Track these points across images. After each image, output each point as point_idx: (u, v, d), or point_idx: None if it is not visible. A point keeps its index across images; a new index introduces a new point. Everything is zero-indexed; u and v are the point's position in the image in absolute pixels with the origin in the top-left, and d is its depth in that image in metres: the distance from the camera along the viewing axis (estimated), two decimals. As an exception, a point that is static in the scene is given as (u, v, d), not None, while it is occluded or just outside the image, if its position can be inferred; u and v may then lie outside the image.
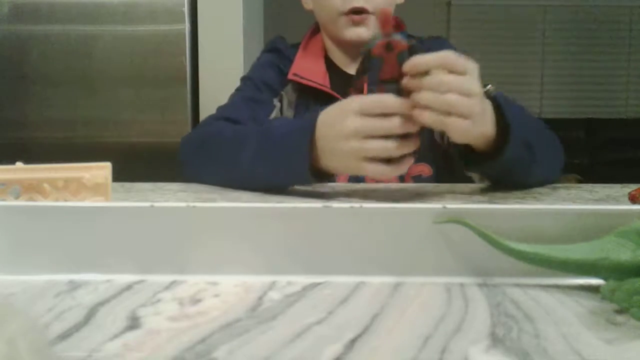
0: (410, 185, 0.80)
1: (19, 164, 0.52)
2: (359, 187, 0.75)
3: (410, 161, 0.60)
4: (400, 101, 0.57)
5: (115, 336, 0.30)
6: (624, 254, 0.35)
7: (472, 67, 0.59)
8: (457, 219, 0.39)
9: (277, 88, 0.96)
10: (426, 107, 0.56)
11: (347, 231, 0.40)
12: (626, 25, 3.71)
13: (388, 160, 0.59)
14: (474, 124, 0.58)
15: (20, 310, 0.23)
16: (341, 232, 0.40)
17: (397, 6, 0.96)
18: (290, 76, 0.93)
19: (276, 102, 0.95)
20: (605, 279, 0.36)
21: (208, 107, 1.60)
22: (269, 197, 0.66)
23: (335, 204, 0.40)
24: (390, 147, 0.58)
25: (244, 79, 1.00)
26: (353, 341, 0.29)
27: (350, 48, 0.95)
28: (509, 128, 0.63)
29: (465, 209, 0.39)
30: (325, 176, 0.65)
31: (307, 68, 0.95)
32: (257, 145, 0.71)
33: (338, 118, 0.61)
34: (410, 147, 0.58)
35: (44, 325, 0.31)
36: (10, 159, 0.54)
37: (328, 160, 0.63)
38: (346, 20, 0.90)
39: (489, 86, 0.66)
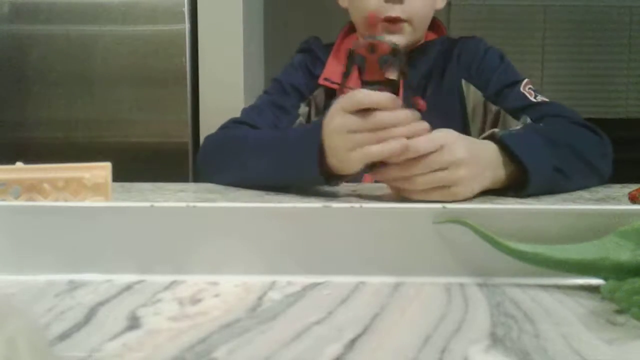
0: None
1: (19, 164, 0.52)
2: (359, 187, 0.75)
3: (402, 141, 0.59)
4: (373, 94, 0.59)
5: (115, 336, 0.30)
6: (624, 254, 0.36)
7: (448, 138, 0.60)
8: (457, 219, 0.39)
9: (305, 92, 0.95)
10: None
11: (347, 231, 0.40)
12: (626, 25, 3.70)
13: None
14: (471, 182, 0.61)
15: (20, 310, 0.23)
16: (341, 232, 0.40)
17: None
18: (320, 81, 0.92)
19: (304, 107, 0.94)
20: (605, 279, 0.36)
21: (208, 107, 1.60)
22: (269, 197, 0.66)
23: (335, 204, 0.40)
24: (371, 140, 0.59)
25: (274, 81, 0.98)
26: (353, 341, 0.29)
27: None
28: (520, 159, 0.63)
29: (465, 209, 0.39)
30: (338, 177, 0.66)
31: (339, 72, 0.92)
32: (273, 150, 0.72)
33: (329, 117, 0.63)
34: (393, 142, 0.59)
35: (44, 325, 0.31)
36: (10, 159, 0.54)
37: (330, 157, 0.64)
38: (380, 27, 0.87)
39: (495, 130, 0.67)
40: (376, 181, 0.65)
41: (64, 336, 0.30)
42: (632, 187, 0.68)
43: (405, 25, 0.88)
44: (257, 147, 0.77)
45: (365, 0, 0.87)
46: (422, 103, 0.64)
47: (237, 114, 0.99)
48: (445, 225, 0.39)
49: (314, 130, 0.65)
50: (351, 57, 0.61)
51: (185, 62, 1.57)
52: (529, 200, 0.64)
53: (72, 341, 0.29)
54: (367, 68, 0.61)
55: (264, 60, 2.13)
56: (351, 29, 1.00)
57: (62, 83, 1.58)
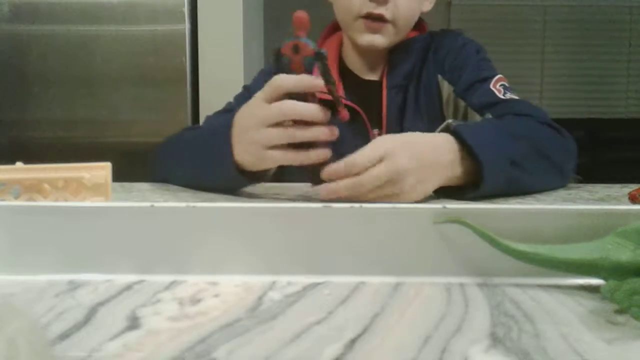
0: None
1: (19, 164, 0.52)
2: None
3: (321, 152, 0.58)
4: (292, 78, 0.57)
5: (115, 336, 0.30)
6: (624, 254, 0.36)
7: (387, 148, 0.57)
8: (457, 219, 0.39)
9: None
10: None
11: (347, 231, 0.40)
12: (626, 25, 3.70)
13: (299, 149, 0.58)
14: (420, 187, 0.59)
15: (20, 310, 0.23)
16: (341, 232, 0.40)
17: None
18: None
19: None
20: (605, 279, 0.36)
21: (208, 107, 1.60)
22: (269, 197, 0.66)
23: (335, 204, 0.40)
24: (292, 133, 0.57)
25: (243, 88, 0.99)
26: (353, 341, 0.29)
27: (364, 53, 0.93)
28: (475, 153, 0.61)
29: (465, 209, 0.39)
30: (255, 175, 0.64)
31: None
32: (194, 147, 0.72)
33: (247, 109, 0.61)
34: (315, 136, 0.57)
35: (44, 325, 0.31)
36: (10, 159, 0.54)
37: (240, 153, 0.61)
38: (363, 25, 0.87)
39: (449, 121, 0.65)
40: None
41: (64, 336, 0.30)
42: (632, 187, 0.68)
43: (389, 27, 0.87)
44: (183, 145, 0.77)
45: (353, 6, 0.86)
46: (345, 113, 0.61)
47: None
48: (445, 225, 0.39)
49: (225, 126, 0.63)
50: (276, 55, 0.59)
51: (185, 62, 1.57)
52: (529, 200, 0.64)
53: (72, 341, 0.29)
54: (292, 68, 0.58)
55: (264, 60, 2.13)
56: (335, 27, 0.99)
57: (62, 83, 1.58)
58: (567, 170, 0.75)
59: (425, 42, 0.94)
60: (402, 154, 0.58)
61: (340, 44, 0.98)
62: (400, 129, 0.87)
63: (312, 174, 0.59)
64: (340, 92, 0.56)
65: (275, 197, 0.66)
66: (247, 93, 0.95)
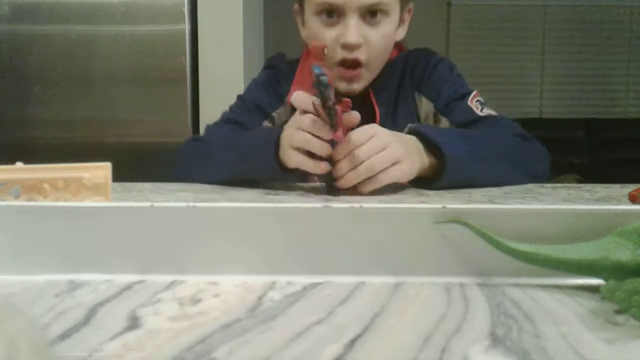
0: (410, 185, 0.80)
1: (19, 164, 0.52)
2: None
3: (324, 166, 0.67)
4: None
5: (115, 336, 0.30)
6: (624, 254, 0.35)
7: (372, 131, 0.66)
8: (457, 219, 0.39)
9: (268, 109, 0.96)
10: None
11: (347, 231, 0.40)
12: (626, 25, 3.70)
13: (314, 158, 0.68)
14: (408, 161, 0.68)
15: (20, 310, 0.23)
16: (341, 232, 0.40)
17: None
18: (289, 100, 0.93)
19: (267, 123, 0.96)
20: (605, 279, 0.36)
21: (208, 107, 1.60)
22: (269, 197, 0.66)
23: (335, 204, 0.40)
24: (309, 140, 0.66)
25: (238, 98, 1.01)
26: (353, 341, 0.29)
27: None
28: (440, 148, 0.70)
29: (465, 209, 0.39)
30: (287, 173, 0.72)
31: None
32: (236, 145, 0.80)
33: (291, 124, 0.70)
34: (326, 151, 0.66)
35: (44, 325, 0.31)
36: (10, 159, 0.54)
37: (283, 154, 0.71)
38: (338, 72, 0.88)
39: (410, 125, 0.77)
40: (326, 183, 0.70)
41: (64, 336, 0.30)
42: (632, 187, 0.69)
43: (363, 72, 0.89)
44: (222, 144, 0.83)
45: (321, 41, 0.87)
46: (339, 135, 0.67)
47: (235, 101, 1.00)
48: (445, 225, 0.39)
49: (275, 130, 0.74)
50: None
51: (185, 62, 1.57)
52: (529, 200, 0.64)
53: (72, 341, 0.29)
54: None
55: (264, 60, 2.13)
56: None
57: (62, 83, 1.59)
58: (533, 170, 0.83)
59: (403, 61, 0.98)
60: (386, 133, 0.67)
61: None
62: None
63: (326, 185, 0.69)
64: (340, 115, 0.64)
65: (275, 197, 0.66)
66: (242, 103, 0.98)
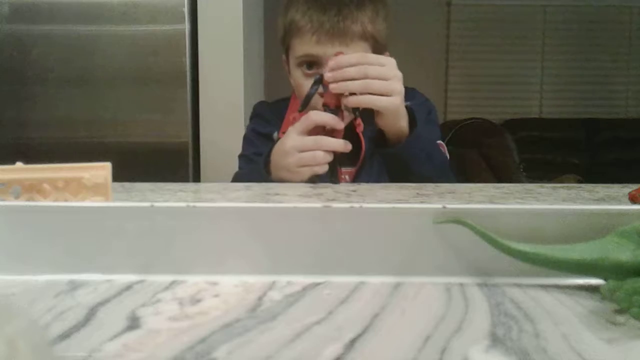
0: (410, 185, 0.80)
1: (19, 164, 0.52)
2: (359, 187, 0.75)
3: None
4: (324, 115, 0.78)
5: (115, 336, 0.30)
6: (624, 254, 0.35)
7: (389, 61, 0.78)
8: (457, 219, 0.39)
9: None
10: (352, 94, 0.76)
11: (347, 231, 0.40)
12: (626, 25, 3.70)
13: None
14: (399, 102, 0.79)
15: (20, 310, 0.23)
16: (341, 232, 0.40)
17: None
18: (280, 135, 0.97)
19: None
20: (605, 279, 0.36)
21: (208, 107, 1.60)
22: (269, 197, 0.66)
23: (335, 204, 0.40)
24: (318, 156, 0.77)
25: (240, 157, 1.08)
26: (353, 341, 0.29)
27: None
28: (416, 128, 0.84)
29: (465, 209, 0.39)
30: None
31: None
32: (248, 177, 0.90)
33: (283, 141, 0.81)
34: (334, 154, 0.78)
35: (44, 325, 0.31)
36: (10, 159, 0.54)
37: (277, 174, 0.82)
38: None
39: (407, 103, 0.86)
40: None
41: (64, 336, 0.30)
42: (632, 187, 0.68)
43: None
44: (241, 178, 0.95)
45: (303, 94, 0.91)
46: (360, 124, 0.81)
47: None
48: (445, 225, 0.39)
49: (265, 156, 0.86)
50: (318, 79, 0.80)
51: (185, 62, 1.57)
52: (529, 200, 0.64)
53: (72, 341, 0.29)
54: (327, 93, 0.78)
55: (264, 60, 2.13)
56: None
57: (62, 83, 1.59)
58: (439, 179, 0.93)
59: None
60: (399, 83, 0.79)
61: None
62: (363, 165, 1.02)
63: (330, 169, 0.80)
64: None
65: (275, 197, 0.66)
66: (254, 137, 1.07)
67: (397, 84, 0.77)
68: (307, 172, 0.79)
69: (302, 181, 0.81)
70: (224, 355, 0.28)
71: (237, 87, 1.61)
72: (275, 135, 1.03)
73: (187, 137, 1.56)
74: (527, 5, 3.67)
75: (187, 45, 1.57)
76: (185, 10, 1.56)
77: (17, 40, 1.58)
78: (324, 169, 0.79)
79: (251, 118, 1.13)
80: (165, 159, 1.55)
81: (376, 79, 0.75)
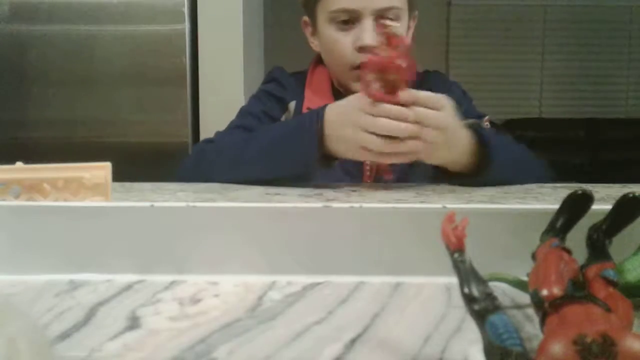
0: (410, 185, 0.80)
1: (19, 164, 0.52)
2: (359, 187, 0.75)
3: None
4: (396, 109, 0.69)
5: (115, 336, 0.30)
6: (630, 274, 0.35)
7: (447, 104, 0.71)
8: (495, 276, 0.38)
9: (275, 116, 0.98)
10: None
11: (347, 231, 0.40)
12: (626, 25, 3.70)
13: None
14: (440, 150, 0.71)
15: (20, 310, 0.23)
16: (341, 232, 0.40)
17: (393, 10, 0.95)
18: (304, 110, 0.94)
19: None
20: None
21: (208, 107, 1.60)
22: (269, 197, 0.66)
23: (335, 204, 0.40)
24: (378, 143, 0.68)
25: (241, 110, 1.01)
26: (353, 341, 0.29)
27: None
28: (489, 154, 0.75)
29: (465, 209, 0.40)
30: (327, 162, 0.75)
31: (317, 103, 0.93)
32: (264, 138, 0.81)
33: (349, 110, 0.71)
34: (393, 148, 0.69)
35: (44, 325, 0.31)
36: (10, 159, 0.54)
37: (334, 143, 0.73)
38: (356, 76, 0.89)
39: (471, 120, 0.78)
40: None
41: (64, 336, 0.30)
42: (632, 187, 0.68)
43: None
44: (258, 136, 0.84)
45: (340, 50, 0.90)
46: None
47: (237, 113, 1.00)
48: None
49: (312, 116, 0.75)
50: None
51: (185, 62, 1.57)
52: (529, 200, 0.64)
53: (72, 341, 0.29)
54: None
55: (264, 60, 2.13)
56: (321, 59, 1.02)
57: (62, 83, 1.58)
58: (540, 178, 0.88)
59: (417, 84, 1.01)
60: (449, 115, 0.71)
61: (330, 77, 1.01)
62: None
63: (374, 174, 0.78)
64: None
65: (275, 197, 0.66)
66: (247, 112, 0.99)
67: (440, 135, 0.69)
68: (366, 156, 0.72)
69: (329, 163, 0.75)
70: (223, 355, 0.28)
71: (237, 87, 1.61)
72: (292, 104, 0.98)
73: (187, 137, 1.56)
74: (527, 5, 3.67)
75: (187, 45, 1.57)
76: (185, 10, 1.56)
77: (17, 40, 1.58)
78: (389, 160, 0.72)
79: (266, 82, 1.06)
80: (165, 159, 1.55)
81: (428, 128, 0.68)
